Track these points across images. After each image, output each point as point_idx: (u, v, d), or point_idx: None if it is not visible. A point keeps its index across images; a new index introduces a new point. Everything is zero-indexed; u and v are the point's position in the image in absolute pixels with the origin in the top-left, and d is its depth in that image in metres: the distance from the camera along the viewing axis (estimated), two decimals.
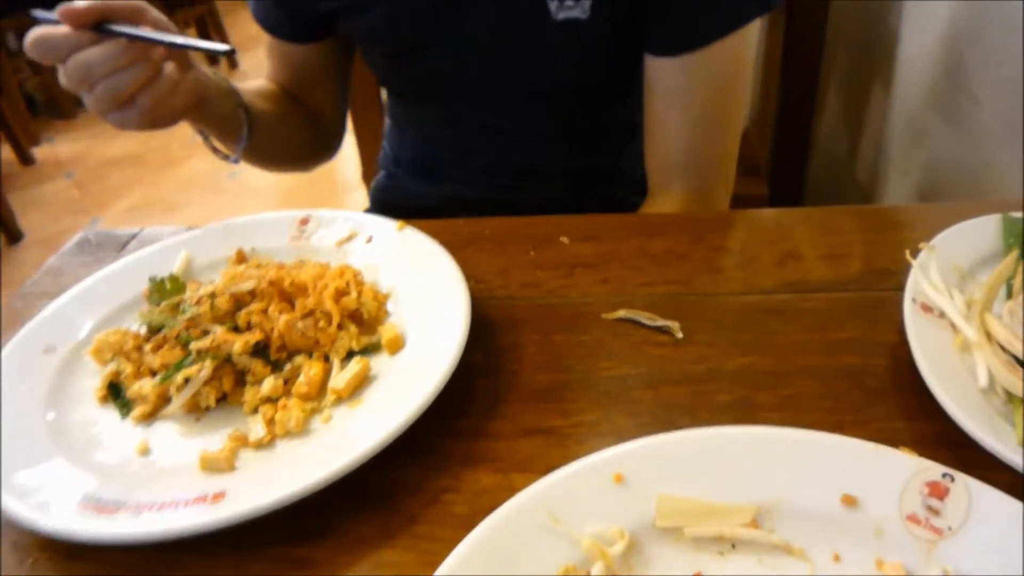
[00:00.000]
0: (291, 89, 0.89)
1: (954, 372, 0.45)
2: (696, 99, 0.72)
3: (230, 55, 0.59)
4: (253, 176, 2.95)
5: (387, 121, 1.00)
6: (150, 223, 0.75)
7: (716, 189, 0.78)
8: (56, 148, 3.58)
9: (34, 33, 0.56)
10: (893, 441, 0.39)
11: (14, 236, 2.79)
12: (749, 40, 0.71)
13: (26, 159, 3.39)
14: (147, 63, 0.59)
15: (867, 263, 0.59)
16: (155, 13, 0.60)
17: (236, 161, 0.76)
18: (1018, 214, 0.56)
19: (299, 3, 0.80)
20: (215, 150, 0.76)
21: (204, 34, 4.32)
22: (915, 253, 0.53)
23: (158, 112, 0.60)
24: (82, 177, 3.29)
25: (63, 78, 0.58)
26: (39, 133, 3.65)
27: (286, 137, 0.87)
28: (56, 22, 0.57)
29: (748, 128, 1.43)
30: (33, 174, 3.35)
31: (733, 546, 0.37)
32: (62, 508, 0.42)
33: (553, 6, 0.70)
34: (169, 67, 0.61)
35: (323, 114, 0.92)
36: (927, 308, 0.49)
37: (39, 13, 0.59)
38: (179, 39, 0.58)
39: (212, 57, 3.65)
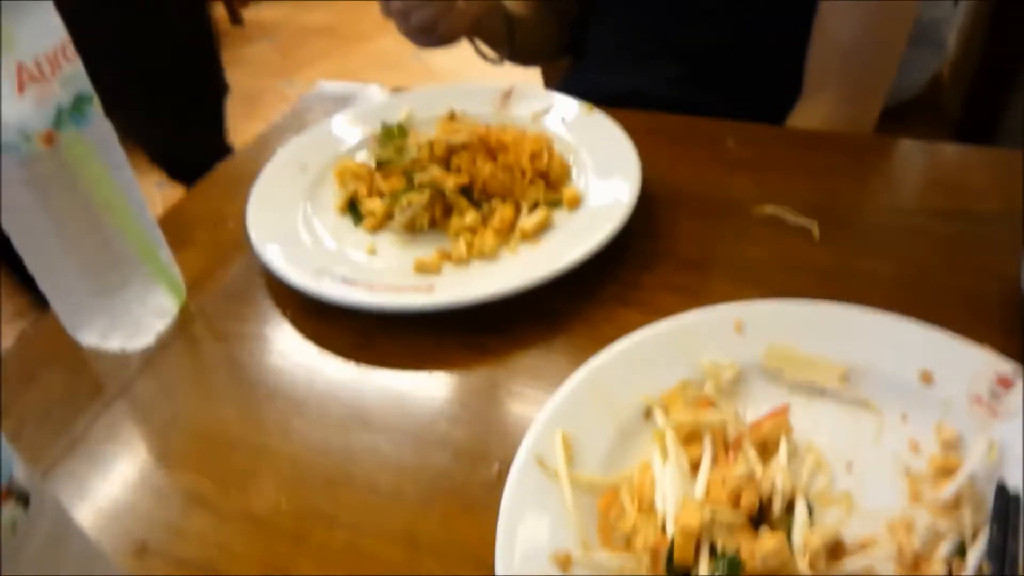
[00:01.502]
0: None
1: None
2: None
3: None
4: (436, 57, 3.10)
5: None
6: None
7: (875, 84, 0.82)
8: (261, 11, 3.86)
9: None
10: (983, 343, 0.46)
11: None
12: None
13: (236, 19, 3.69)
14: (445, 3, 0.76)
15: (1008, 203, 0.63)
16: None
17: (500, 62, 0.90)
18: None
19: None
20: (483, 55, 0.89)
21: None
22: None
23: (450, 35, 0.79)
24: (282, 42, 3.55)
25: (385, 9, 0.77)
26: None
27: (541, 34, 1.02)
28: None
29: (940, 72, 1.40)
30: (240, 35, 3.64)
31: (822, 393, 0.46)
32: (303, 273, 0.57)
33: None
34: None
35: (564, 3, 1.03)
36: None
37: None
38: None
39: None
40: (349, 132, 0.73)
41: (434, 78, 3.06)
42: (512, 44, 0.96)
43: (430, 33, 0.78)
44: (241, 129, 2.87)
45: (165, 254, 0.57)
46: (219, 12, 3.66)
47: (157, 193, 2.54)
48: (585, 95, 1.04)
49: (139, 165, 2.65)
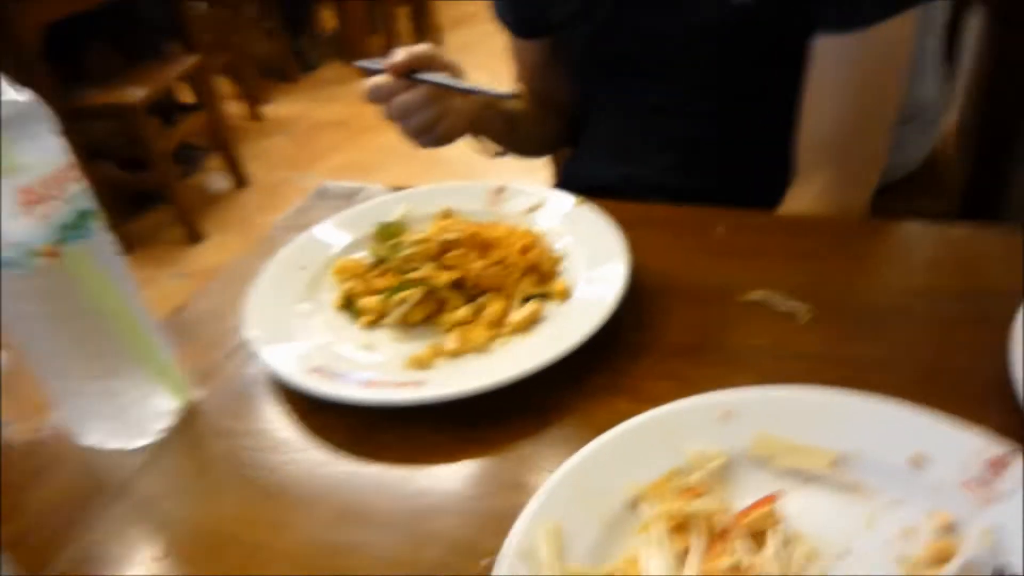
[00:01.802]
0: (532, 82, 1.06)
1: None
2: (857, 78, 0.79)
3: (508, 97, 0.81)
4: (443, 149, 3.19)
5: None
6: (354, 181, 0.92)
7: (863, 170, 0.85)
8: (279, 108, 4.01)
9: (370, 82, 0.78)
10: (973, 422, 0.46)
11: (242, 181, 3.20)
12: (909, 28, 0.77)
13: (255, 115, 3.84)
14: (445, 102, 0.79)
15: (996, 281, 0.63)
16: (446, 57, 0.80)
17: (503, 154, 0.94)
18: None
19: (531, 11, 0.97)
20: (484, 150, 0.94)
21: (418, 15, 4.65)
22: None
23: (449, 135, 0.82)
24: (299, 136, 3.68)
25: (386, 113, 0.79)
26: (267, 94, 4.10)
27: (538, 132, 1.06)
28: (379, 71, 0.77)
29: (938, 147, 1.43)
30: (259, 129, 3.78)
31: (812, 479, 0.46)
32: (301, 371, 0.58)
33: None
34: (457, 101, 0.80)
35: (560, 98, 1.07)
36: None
37: (365, 63, 0.80)
38: (467, 85, 0.78)
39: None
40: (348, 231, 0.75)
41: (443, 167, 3.13)
42: (511, 140, 1.00)
43: (429, 134, 0.81)
44: (258, 222, 2.95)
45: (167, 356, 0.59)
46: (239, 109, 3.82)
47: (174, 284, 2.60)
48: (584, 182, 1.07)
49: (156, 260, 2.72)
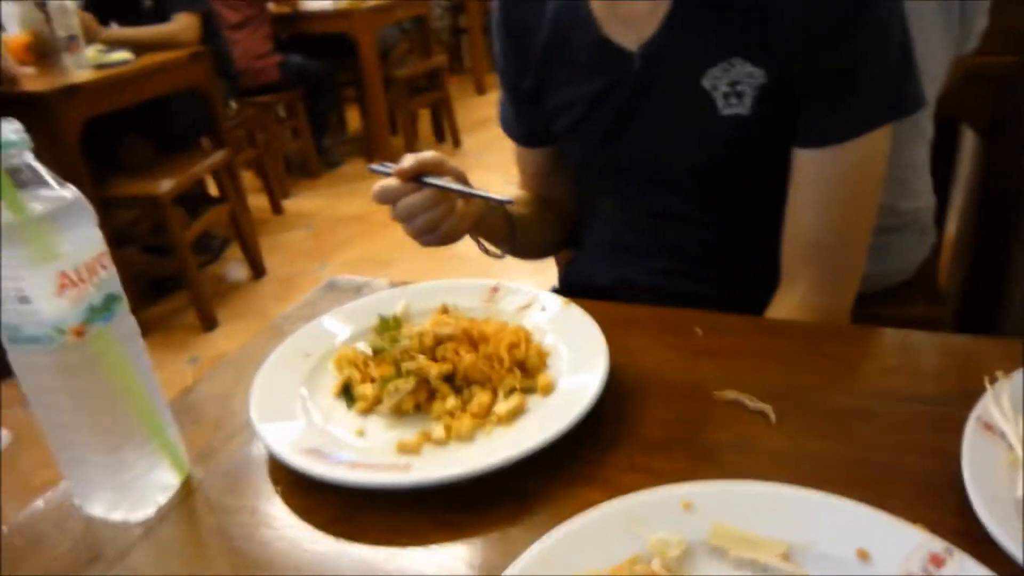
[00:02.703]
0: (537, 189, 1.14)
1: (996, 482, 0.54)
2: (835, 189, 0.84)
3: (507, 203, 0.87)
4: (454, 246, 3.28)
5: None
6: (368, 273, 0.98)
7: (843, 275, 0.89)
8: (301, 202, 4.17)
9: (378, 185, 0.84)
10: (920, 522, 0.49)
11: (259, 272, 3.29)
12: (884, 143, 0.84)
13: (277, 209, 3.98)
14: (447, 204, 0.84)
15: (956, 385, 0.67)
16: (451, 164, 0.86)
17: (501, 257, 0.99)
18: None
19: (535, 123, 1.06)
20: (486, 250, 0.98)
21: (438, 118, 4.87)
22: (994, 380, 0.62)
23: (452, 235, 0.87)
24: (318, 229, 3.80)
25: (393, 213, 0.85)
26: (290, 188, 4.27)
27: (539, 237, 1.12)
28: (388, 174, 0.84)
29: (928, 259, 1.48)
30: (280, 222, 3.92)
31: (765, 569, 0.49)
32: (295, 451, 0.62)
33: (720, 104, 0.85)
34: (460, 204, 0.86)
35: (563, 203, 1.15)
36: (988, 427, 0.58)
37: (377, 166, 0.87)
38: (468, 190, 0.83)
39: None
40: (351, 323, 0.80)
41: (454, 262, 3.23)
42: (513, 243, 1.05)
43: (432, 234, 0.86)
44: (274, 311, 3.03)
45: (173, 432, 0.63)
46: (262, 202, 3.96)
47: (189, 368, 2.65)
48: (583, 283, 1.13)
49: (171, 344, 2.79)
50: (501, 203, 0.86)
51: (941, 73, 1.27)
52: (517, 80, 1.03)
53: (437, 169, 0.84)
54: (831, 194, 0.85)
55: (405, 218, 0.84)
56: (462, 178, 0.87)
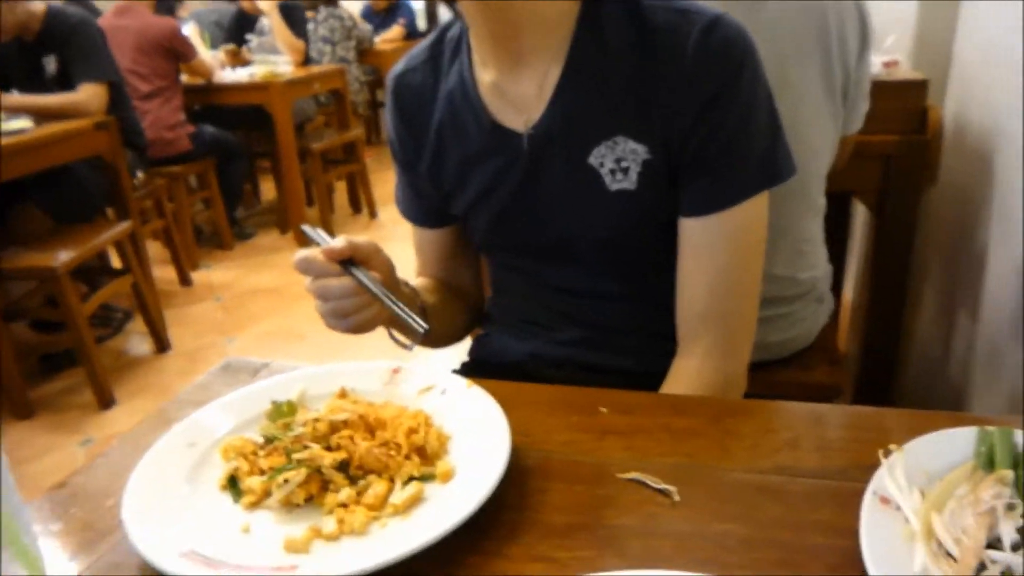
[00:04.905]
0: (439, 273, 1.13)
1: (896, 557, 0.54)
2: (719, 255, 0.87)
3: (424, 333, 0.81)
4: None
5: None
6: (278, 348, 0.94)
7: (736, 338, 0.91)
8: (211, 274, 4.04)
9: (301, 254, 0.80)
10: None
11: (163, 346, 3.15)
12: (762, 208, 0.88)
13: (186, 281, 3.85)
14: (363, 299, 0.81)
15: (855, 458, 0.68)
16: (384, 255, 0.84)
17: (411, 348, 0.96)
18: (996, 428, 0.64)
19: (431, 203, 1.05)
20: (397, 342, 0.95)
21: (354, 190, 4.86)
22: (888, 453, 0.63)
23: (362, 327, 0.84)
24: (228, 301, 3.68)
25: (308, 286, 0.81)
26: (201, 260, 4.15)
27: (449, 320, 1.12)
28: (318, 243, 0.81)
29: (827, 325, 1.54)
30: (188, 294, 3.79)
31: None
32: (176, 555, 0.57)
33: (607, 180, 0.88)
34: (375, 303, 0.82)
35: (467, 287, 1.15)
36: (886, 500, 0.59)
37: (309, 230, 0.85)
38: (389, 301, 0.80)
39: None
40: (243, 409, 0.76)
41: (370, 336, 3.18)
42: (427, 332, 1.02)
43: (343, 321, 0.83)
44: (178, 386, 2.89)
45: (30, 537, 0.57)
46: (170, 274, 3.83)
47: (81, 451, 2.49)
48: (494, 358, 1.11)
49: (63, 425, 2.62)
50: (415, 331, 0.80)
51: (830, 150, 1.34)
52: (413, 161, 1.03)
53: (367, 260, 0.82)
54: (717, 260, 0.88)
55: (319, 296, 0.81)
56: (390, 274, 0.86)
